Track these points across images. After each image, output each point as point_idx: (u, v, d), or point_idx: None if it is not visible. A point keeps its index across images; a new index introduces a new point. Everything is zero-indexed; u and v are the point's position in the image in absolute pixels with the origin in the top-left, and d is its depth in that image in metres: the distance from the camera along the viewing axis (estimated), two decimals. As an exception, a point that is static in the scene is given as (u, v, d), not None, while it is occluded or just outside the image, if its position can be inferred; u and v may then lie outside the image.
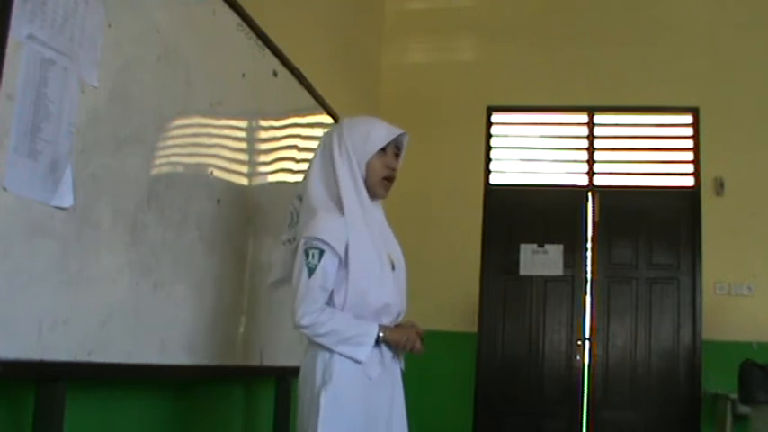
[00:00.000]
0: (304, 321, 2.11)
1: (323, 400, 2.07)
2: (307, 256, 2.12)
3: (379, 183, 2.27)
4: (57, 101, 1.84)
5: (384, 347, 2.19)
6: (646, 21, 5.95)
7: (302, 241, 2.15)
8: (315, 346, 2.16)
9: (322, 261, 2.11)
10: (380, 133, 2.26)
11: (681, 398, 5.51)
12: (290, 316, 2.15)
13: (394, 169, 2.29)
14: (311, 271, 2.11)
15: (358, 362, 2.13)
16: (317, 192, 2.23)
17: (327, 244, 2.12)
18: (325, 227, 2.14)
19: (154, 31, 2.31)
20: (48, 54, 1.82)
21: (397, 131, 2.29)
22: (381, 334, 2.16)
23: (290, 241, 2.32)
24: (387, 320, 2.21)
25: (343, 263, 2.14)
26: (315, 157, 2.31)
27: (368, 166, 2.24)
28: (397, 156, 2.31)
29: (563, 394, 5.67)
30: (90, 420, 2.22)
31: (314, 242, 2.13)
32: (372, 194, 2.27)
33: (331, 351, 2.12)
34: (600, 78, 5.94)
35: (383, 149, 2.26)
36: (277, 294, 3.17)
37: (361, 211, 2.20)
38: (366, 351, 2.13)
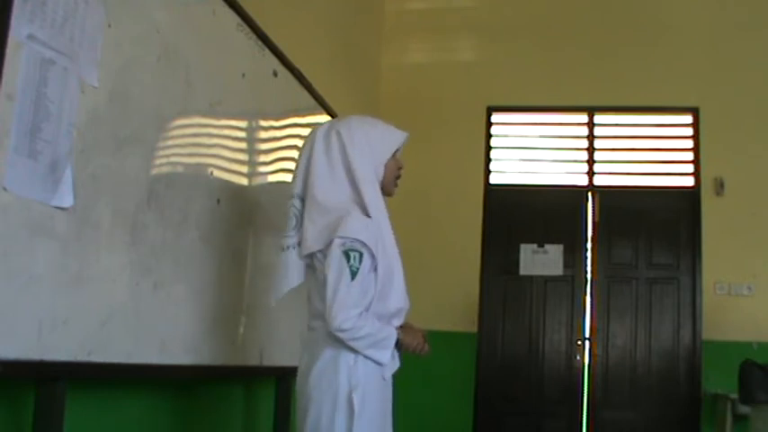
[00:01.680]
0: (346, 325, 2.06)
1: (357, 402, 2.07)
2: (348, 258, 2.08)
3: (393, 182, 2.32)
4: (57, 101, 1.84)
5: (395, 349, 2.21)
6: (646, 21, 5.95)
7: (338, 241, 2.09)
8: (335, 347, 2.12)
9: (362, 263, 2.09)
10: (393, 135, 2.30)
11: (681, 398, 5.50)
12: (327, 318, 2.06)
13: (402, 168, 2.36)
14: (354, 274, 2.07)
15: (380, 364, 2.14)
16: (330, 192, 2.19)
17: (366, 246, 2.11)
18: (362, 228, 2.12)
19: (154, 31, 2.31)
20: (48, 54, 1.82)
21: (405, 133, 2.33)
22: (399, 337, 2.19)
23: (297, 245, 2.24)
24: (397, 323, 2.23)
25: (373, 266, 2.14)
26: (314, 155, 2.24)
27: (385, 166, 2.28)
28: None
29: (563, 394, 5.67)
30: (90, 420, 2.22)
31: (354, 243, 2.09)
32: (384, 193, 2.30)
33: (355, 354, 2.11)
34: (600, 78, 5.93)
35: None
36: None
37: (382, 213, 2.21)
38: (389, 354, 2.16)
